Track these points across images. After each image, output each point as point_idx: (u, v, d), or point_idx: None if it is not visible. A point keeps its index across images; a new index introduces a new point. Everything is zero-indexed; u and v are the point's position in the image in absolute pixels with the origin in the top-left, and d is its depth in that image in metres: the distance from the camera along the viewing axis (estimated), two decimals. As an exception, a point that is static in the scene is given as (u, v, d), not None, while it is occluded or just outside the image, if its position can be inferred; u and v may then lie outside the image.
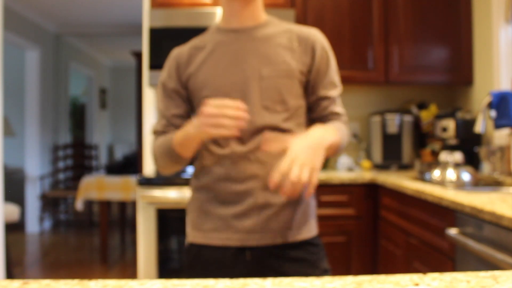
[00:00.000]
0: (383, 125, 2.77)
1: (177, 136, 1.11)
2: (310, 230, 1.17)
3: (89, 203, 5.43)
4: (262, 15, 1.19)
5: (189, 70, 1.18)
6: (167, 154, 1.15)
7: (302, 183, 0.91)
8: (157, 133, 1.22)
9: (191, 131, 1.05)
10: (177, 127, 1.21)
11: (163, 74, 1.23)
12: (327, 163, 2.87)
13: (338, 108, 1.20)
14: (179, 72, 1.19)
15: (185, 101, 1.21)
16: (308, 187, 0.92)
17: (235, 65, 1.13)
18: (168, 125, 1.21)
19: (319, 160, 0.95)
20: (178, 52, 1.21)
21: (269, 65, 1.12)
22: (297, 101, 1.15)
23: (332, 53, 1.21)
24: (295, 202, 1.14)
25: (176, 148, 1.12)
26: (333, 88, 1.19)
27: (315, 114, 1.20)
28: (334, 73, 1.20)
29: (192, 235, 1.18)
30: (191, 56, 1.18)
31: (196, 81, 1.16)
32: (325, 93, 1.17)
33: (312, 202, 1.21)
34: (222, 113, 0.93)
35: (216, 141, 1.13)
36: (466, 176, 1.99)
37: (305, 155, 0.93)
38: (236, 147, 1.11)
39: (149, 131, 2.76)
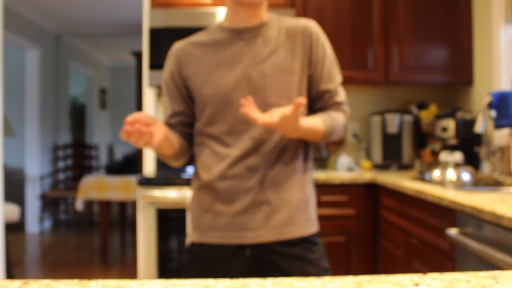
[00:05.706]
0: (383, 125, 2.77)
1: None
2: (310, 226, 1.17)
3: (89, 203, 5.43)
4: (265, 15, 1.20)
5: (189, 68, 1.18)
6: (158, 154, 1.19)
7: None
8: None
9: None
10: (175, 124, 1.22)
11: (165, 70, 1.24)
12: (327, 163, 2.87)
13: (339, 97, 1.22)
14: (180, 69, 1.19)
15: (186, 99, 1.21)
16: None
17: (237, 64, 1.14)
18: (166, 122, 1.23)
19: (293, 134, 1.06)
20: (179, 48, 1.21)
21: (271, 63, 1.13)
22: (300, 96, 1.16)
23: (328, 44, 1.23)
24: (294, 199, 1.14)
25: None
26: (332, 80, 1.21)
27: (317, 106, 1.22)
28: (332, 64, 1.22)
29: (193, 235, 1.18)
30: (191, 54, 1.18)
31: (197, 79, 1.16)
32: (325, 86, 1.20)
33: (312, 200, 1.21)
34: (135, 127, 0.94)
35: (220, 140, 1.14)
36: (466, 176, 1.99)
37: (288, 125, 1.01)
38: (244, 145, 1.11)
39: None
